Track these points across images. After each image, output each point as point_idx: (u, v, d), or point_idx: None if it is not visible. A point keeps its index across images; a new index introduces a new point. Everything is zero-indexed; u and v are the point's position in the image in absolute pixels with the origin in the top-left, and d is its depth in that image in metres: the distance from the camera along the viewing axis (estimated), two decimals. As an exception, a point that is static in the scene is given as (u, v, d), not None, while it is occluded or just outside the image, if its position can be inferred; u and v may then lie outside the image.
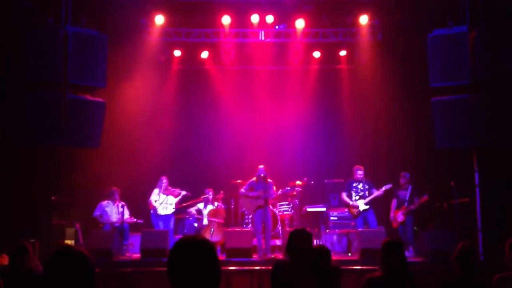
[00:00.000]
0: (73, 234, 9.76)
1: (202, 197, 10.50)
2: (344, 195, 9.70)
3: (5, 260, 6.78)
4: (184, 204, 10.47)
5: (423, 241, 8.87)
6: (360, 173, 9.64)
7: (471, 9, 8.24)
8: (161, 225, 10.21)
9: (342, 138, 12.23)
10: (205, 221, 10.27)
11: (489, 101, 8.12)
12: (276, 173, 10.26)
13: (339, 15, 10.79)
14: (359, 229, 9.25)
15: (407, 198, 9.52)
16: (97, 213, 9.75)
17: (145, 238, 8.80)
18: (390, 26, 10.41)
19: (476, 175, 9.17)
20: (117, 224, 9.58)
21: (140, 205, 10.46)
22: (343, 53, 11.68)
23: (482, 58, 8.05)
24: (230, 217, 10.66)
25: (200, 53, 11.77)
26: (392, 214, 9.73)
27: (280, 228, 10.13)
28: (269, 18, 10.66)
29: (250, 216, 9.98)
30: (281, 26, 11.09)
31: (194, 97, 12.37)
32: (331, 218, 10.59)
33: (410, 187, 9.58)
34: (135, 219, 9.83)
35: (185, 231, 10.46)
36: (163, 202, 10.27)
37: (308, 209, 10.64)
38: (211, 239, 8.04)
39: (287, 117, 12.17)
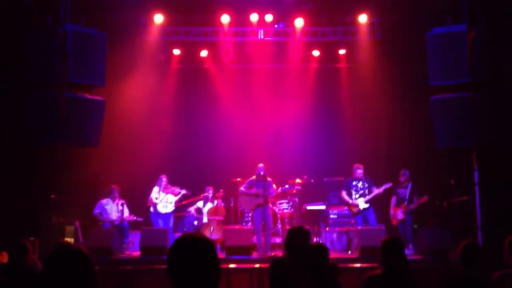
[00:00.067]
0: (72, 232, 9.76)
1: (202, 195, 10.52)
2: (344, 194, 9.71)
3: (5, 258, 6.78)
4: (184, 202, 10.49)
5: (422, 239, 8.88)
6: (359, 171, 9.65)
7: (470, 8, 8.23)
8: (160, 223, 10.22)
9: (342, 136, 12.23)
10: (205, 219, 10.28)
11: (488, 101, 8.12)
12: (276, 171, 10.26)
13: (339, 14, 10.80)
14: (359, 227, 9.26)
15: (407, 196, 9.50)
16: (96, 211, 9.75)
17: (144, 236, 8.81)
18: (390, 25, 10.41)
19: (476, 174, 9.16)
20: (117, 222, 9.58)
21: (139, 203, 10.44)
22: (342, 51, 11.66)
23: (481, 58, 8.05)
24: (230, 215, 10.68)
25: (200, 52, 11.75)
26: (392, 211, 9.71)
27: (280, 226, 10.16)
28: (268, 17, 10.67)
29: (250, 214, 9.99)
30: (280, 25, 11.08)
31: (193, 96, 12.36)
32: (331, 216, 10.60)
33: (410, 185, 9.56)
34: (134, 217, 9.82)
35: (185, 229, 10.47)
36: (163, 201, 10.28)
37: (308, 207, 10.64)
38: (210, 237, 8.00)
39: (286, 115, 12.16)
